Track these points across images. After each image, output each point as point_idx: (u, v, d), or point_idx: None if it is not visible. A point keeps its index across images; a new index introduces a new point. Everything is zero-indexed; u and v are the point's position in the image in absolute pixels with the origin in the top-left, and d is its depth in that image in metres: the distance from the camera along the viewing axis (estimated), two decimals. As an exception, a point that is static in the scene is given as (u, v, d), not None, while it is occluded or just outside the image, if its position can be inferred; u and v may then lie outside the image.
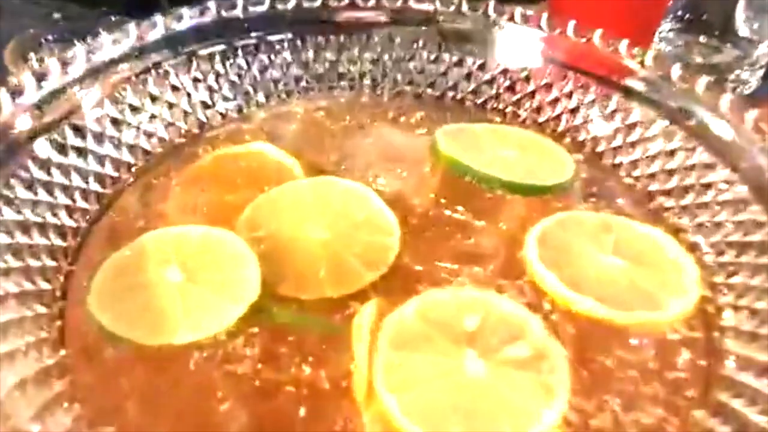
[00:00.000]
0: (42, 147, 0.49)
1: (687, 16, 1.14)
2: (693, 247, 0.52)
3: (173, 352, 0.42)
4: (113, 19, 0.87)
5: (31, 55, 0.85)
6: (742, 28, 1.12)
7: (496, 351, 0.43)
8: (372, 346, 0.43)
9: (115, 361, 0.42)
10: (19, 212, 0.46)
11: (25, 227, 0.46)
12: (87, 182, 0.53)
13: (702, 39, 1.16)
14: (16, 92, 0.48)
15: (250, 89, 0.65)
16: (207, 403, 0.40)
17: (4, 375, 0.35)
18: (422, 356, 0.42)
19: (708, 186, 0.53)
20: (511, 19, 0.65)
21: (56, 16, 1.22)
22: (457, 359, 0.42)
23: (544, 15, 0.64)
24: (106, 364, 0.41)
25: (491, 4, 0.66)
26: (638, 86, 0.60)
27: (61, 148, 0.51)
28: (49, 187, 0.49)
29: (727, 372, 0.42)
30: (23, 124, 0.48)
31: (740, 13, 1.10)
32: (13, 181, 0.46)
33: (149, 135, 0.59)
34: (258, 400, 0.40)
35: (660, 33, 1.13)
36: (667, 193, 0.56)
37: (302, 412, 0.39)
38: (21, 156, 0.48)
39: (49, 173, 0.50)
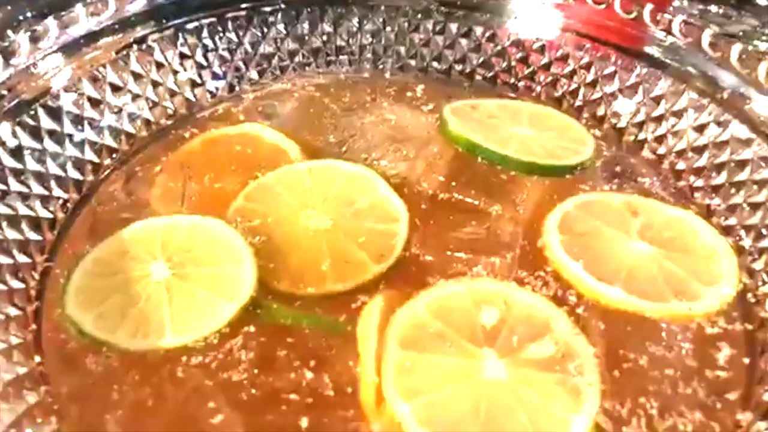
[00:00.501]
0: (10, 131, 0.45)
1: (704, -18, 1.09)
2: (727, 231, 0.48)
3: (160, 357, 0.39)
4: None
5: (9, 32, 0.80)
6: (762, -7, 1.07)
7: (517, 350, 0.39)
8: (380, 347, 0.39)
9: (96, 370, 0.38)
10: (-14, 204, 0.42)
11: (-7, 220, 0.42)
12: (64, 170, 0.49)
13: (716, 8, 1.11)
14: (-20, 71, 0.44)
15: (242, 65, 0.62)
16: (198, 416, 0.36)
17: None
18: (436, 357, 0.39)
19: (743, 163, 0.49)
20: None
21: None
22: (474, 360, 0.38)
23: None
24: (87, 372, 0.38)
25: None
26: (663, 56, 0.56)
27: (34, 132, 0.47)
28: (21, 175, 0.45)
29: (773, 369, 0.38)
30: (-11, 106, 0.44)
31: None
32: (-21, 170, 0.42)
33: (133, 117, 0.55)
34: (255, 411, 0.36)
35: (673, 2, 1.08)
36: (697, 171, 0.52)
37: (304, 422, 0.36)
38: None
39: (20, 160, 0.46)
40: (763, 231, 0.46)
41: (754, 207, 0.47)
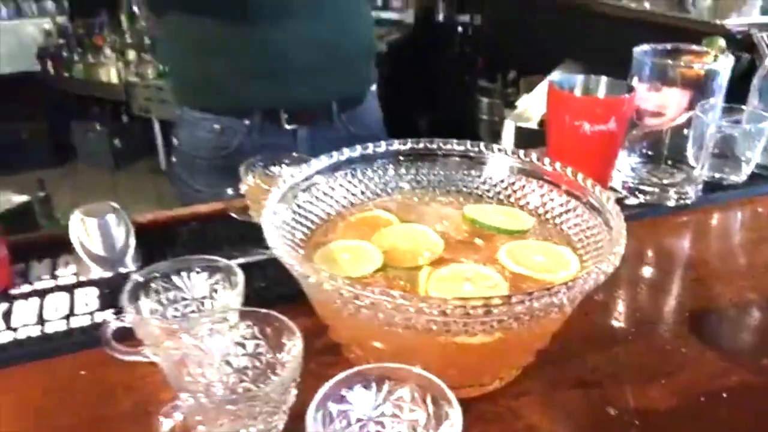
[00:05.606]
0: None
1: (650, 152, 1.84)
2: (580, 256, 1.18)
3: (350, 279, 1.12)
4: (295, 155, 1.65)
5: (250, 172, 1.63)
6: (691, 159, 1.81)
7: (479, 284, 1.09)
8: (426, 283, 1.11)
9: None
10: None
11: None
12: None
13: (661, 167, 1.84)
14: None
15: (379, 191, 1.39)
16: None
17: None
18: (448, 284, 1.10)
19: (592, 227, 1.20)
20: (504, 152, 1.36)
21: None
22: (461, 285, 1.09)
23: (522, 150, 1.35)
24: (323, 281, 1.12)
25: (495, 146, 1.38)
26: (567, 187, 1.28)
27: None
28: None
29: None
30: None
31: (690, 148, 1.79)
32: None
33: (326, 212, 1.32)
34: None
35: (631, 165, 1.83)
36: (576, 234, 1.23)
37: (401, 284, 1.07)
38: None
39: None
40: (592, 253, 1.15)
41: (590, 245, 1.17)
